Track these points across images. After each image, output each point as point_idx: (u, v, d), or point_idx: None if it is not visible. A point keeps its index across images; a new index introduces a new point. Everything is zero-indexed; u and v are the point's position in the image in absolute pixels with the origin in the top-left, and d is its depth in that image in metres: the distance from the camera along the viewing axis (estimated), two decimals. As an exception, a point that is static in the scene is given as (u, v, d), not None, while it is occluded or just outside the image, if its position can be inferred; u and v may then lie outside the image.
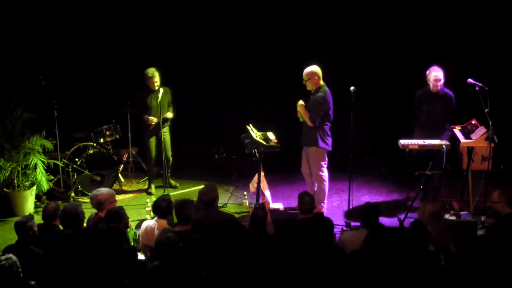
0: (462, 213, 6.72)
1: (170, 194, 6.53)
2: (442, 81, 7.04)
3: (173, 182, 8.19)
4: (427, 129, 7.12)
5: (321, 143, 6.89)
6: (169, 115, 7.79)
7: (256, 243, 3.67)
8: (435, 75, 7.02)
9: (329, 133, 6.94)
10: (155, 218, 5.42)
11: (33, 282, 4.15)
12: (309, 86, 6.89)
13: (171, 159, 8.02)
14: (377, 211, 5.13)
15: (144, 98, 7.70)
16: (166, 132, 7.86)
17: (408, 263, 3.64)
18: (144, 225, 5.53)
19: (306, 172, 7.21)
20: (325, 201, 7.16)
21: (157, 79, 7.61)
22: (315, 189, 7.12)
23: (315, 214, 5.79)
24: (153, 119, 7.67)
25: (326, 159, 7.02)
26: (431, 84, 7.07)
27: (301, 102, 6.96)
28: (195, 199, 6.45)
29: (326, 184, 7.05)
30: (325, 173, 7.02)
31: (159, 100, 7.39)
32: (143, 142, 7.99)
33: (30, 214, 5.33)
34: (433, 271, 4.09)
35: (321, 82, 6.86)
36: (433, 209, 5.15)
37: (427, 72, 7.10)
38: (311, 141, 6.93)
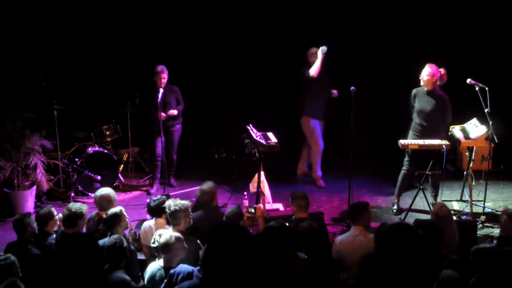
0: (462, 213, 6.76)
1: (171, 194, 6.53)
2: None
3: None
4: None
5: None
6: (172, 112, 7.62)
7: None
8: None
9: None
10: (154, 218, 5.45)
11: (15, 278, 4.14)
12: None
13: (173, 160, 7.92)
14: (364, 206, 5.20)
15: (151, 95, 7.53)
16: (174, 131, 7.79)
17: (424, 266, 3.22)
18: (144, 226, 5.56)
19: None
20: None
21: (165, 76, 7.53)
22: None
23: (311, 214, 5.83)
24: (161, 114, 7.46)
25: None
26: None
27: None
28: (193, 199, 6.46)
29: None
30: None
31: (159, 97, 7.29)
32: (150, 140, 7.88)
33: (27, 212, 5.33)
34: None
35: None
36: (442, 213, 5.13)
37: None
38: None
